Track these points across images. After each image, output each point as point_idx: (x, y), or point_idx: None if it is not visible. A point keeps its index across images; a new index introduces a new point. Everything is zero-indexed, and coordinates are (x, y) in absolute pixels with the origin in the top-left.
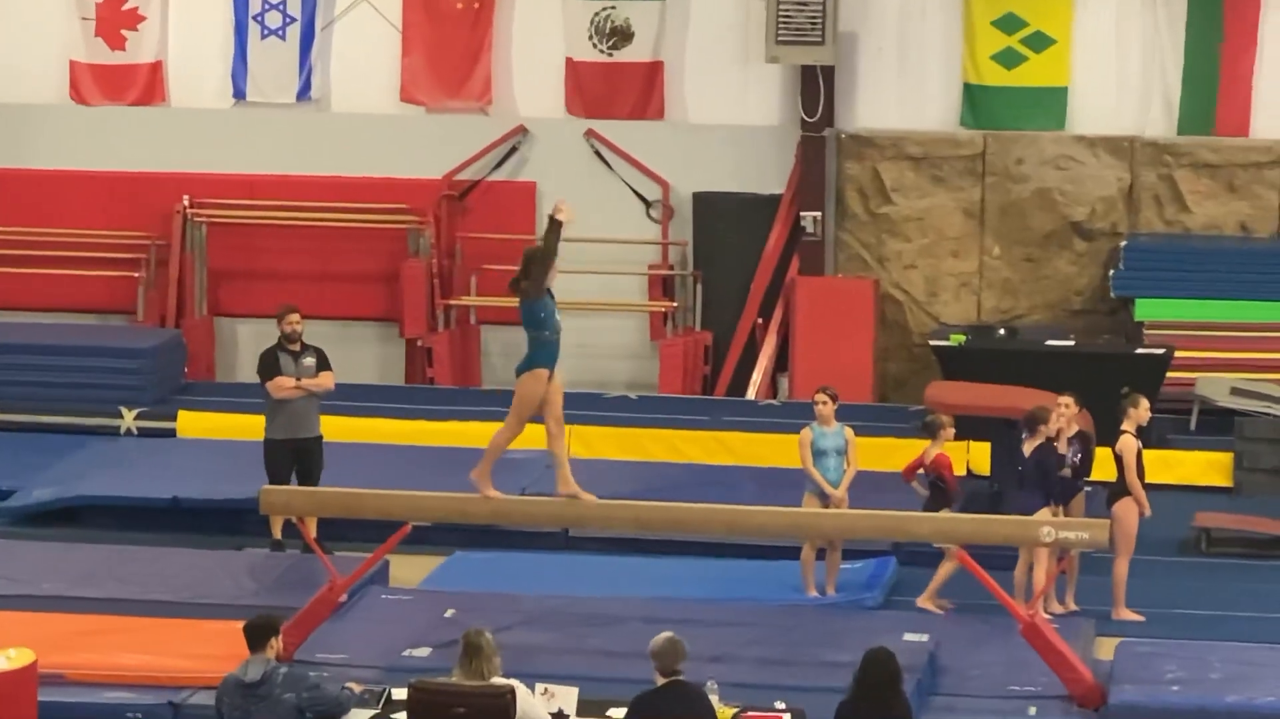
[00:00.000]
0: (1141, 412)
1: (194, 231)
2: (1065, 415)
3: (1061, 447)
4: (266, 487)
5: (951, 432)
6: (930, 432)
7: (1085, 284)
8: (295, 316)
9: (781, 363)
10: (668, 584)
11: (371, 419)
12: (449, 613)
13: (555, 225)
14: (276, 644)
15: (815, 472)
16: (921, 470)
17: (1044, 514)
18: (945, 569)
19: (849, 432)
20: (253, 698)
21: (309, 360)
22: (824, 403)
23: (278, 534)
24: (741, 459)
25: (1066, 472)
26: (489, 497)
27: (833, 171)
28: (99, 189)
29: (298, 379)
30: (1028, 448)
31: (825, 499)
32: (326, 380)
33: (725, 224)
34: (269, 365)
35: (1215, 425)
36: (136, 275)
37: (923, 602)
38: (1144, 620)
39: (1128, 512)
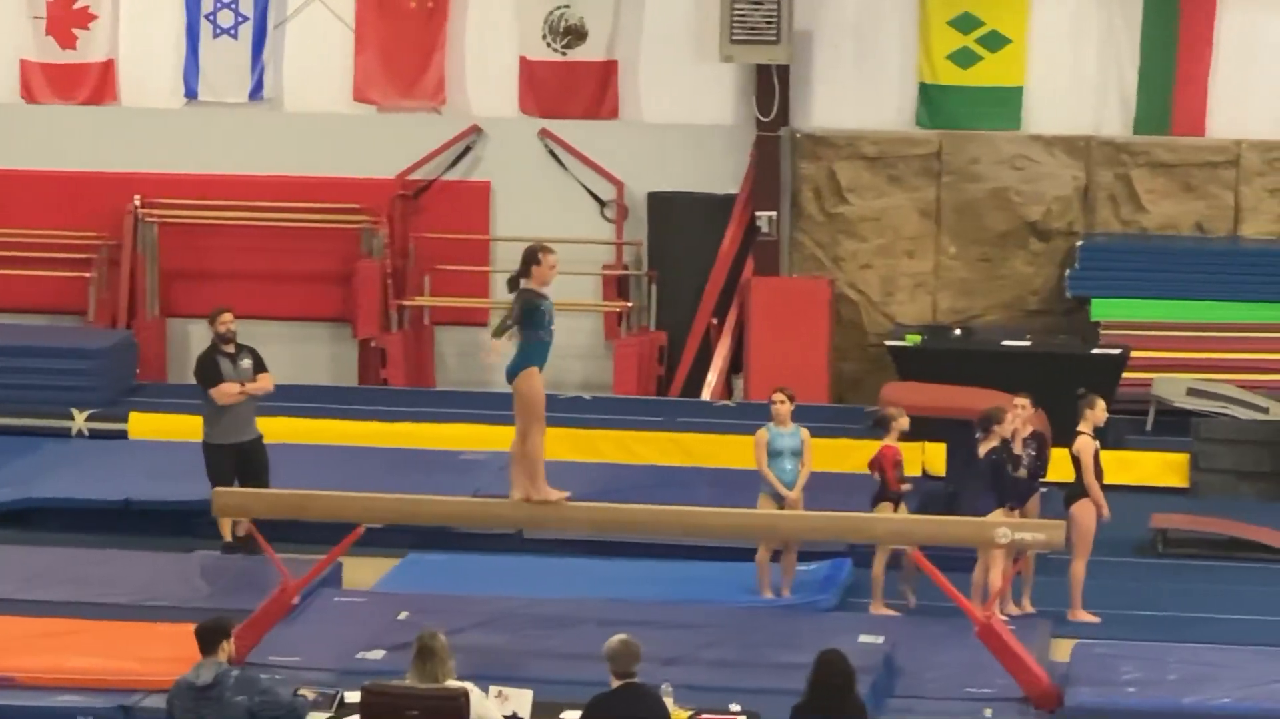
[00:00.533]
0: (1098, 412)
1: (145, 232)
2: (1021, 416)
3: (1018, 447)
4: (219, 488)
5: (905, 421)
6: (882, 426)
7: (1041, 284)
8: (229, 316)
9: (736, 363)
10: (622, 586)
11: (325, 420)
12: (402, 615)
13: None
14: (228, 647)
15: (770, 473)
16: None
17: (997, 515)
18: (879, 568)
19: (805, 432)
20: (204, 701)
21: (246, 363)
22: (781, 402)
23: (228, 536)
24: (696, 460)
25: (1023, 473)
26: (555, 500)
27: (788, 171)
28: (50, 189)
29: (241, 384)
30: (982, 449)
31: (781, 500)
32: (267, 383)
33: (680, 224)
34: (209, 371)
35: (1172, 426)
36: (88, 276)
37: (876, 608)
38: (1100, 622)
39: (1085, 513)
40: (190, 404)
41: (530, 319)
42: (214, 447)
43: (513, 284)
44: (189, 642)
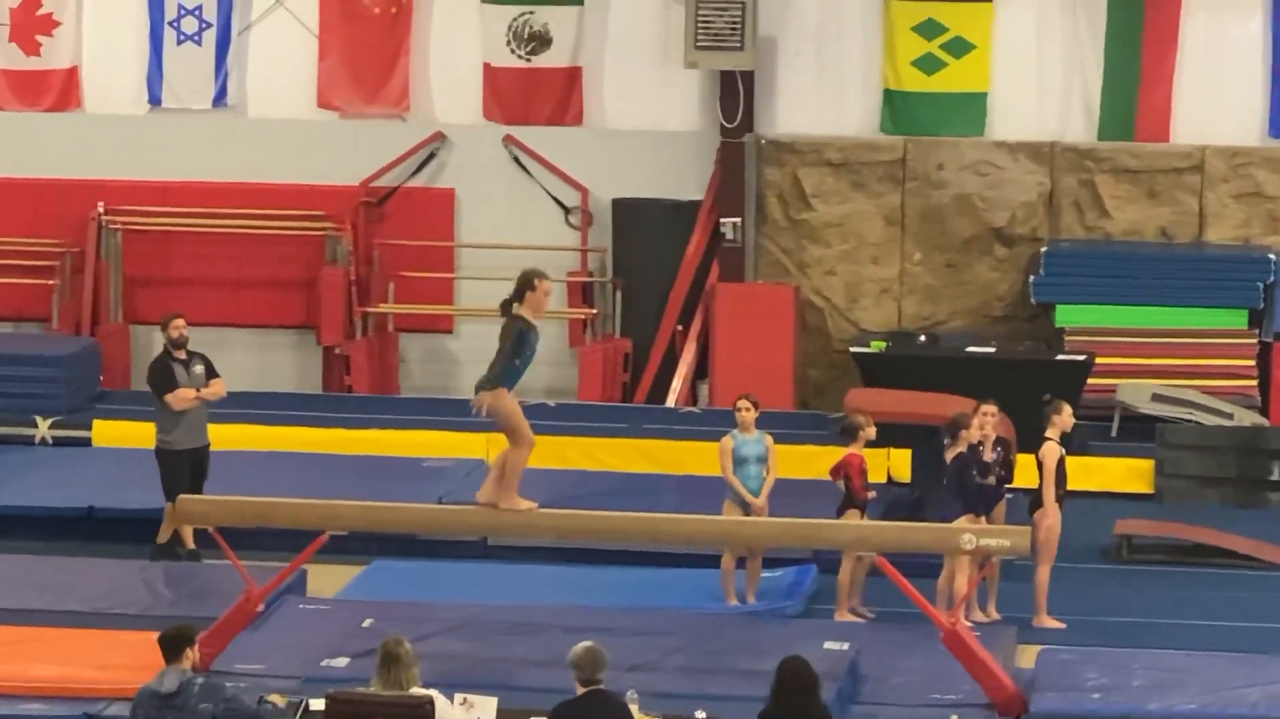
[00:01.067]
0: (1065, 418)
1: (109, 238)
2: (989, 423)
3: (987, 454)
4: (184, 496)
5: (872, 431)
6: (849, 434)
7: (1006, 290)
8: (181, 322)
9: (701, 370)
10: (587, 593)
11: (289, 427)
12: (367, 623)
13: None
14: (192, 654)
15: (735, 480)
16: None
17: (963, 522)
18: (846, 574)
19: (769, 439)
20: (169, 709)
21: (199, 368)
22: (746, 409)
23: (190, 544)
24: (661, 467)
25: (991, 479)
26: (525, 509)
27: (752, 177)
28: (13, 195)
29: (196, 389)
30: (949, 454)
31: (746, 507)
32: (220, 389)
33: (645, 230)
34: (163, 377)
35: (1136, 432)
36: (51, 283)
37: (841, 615)
38: (1065, 628)
39: (1050, 518)
40: (154, 412)
41: (516, 349)
42: (170, 453)
43: (505, 307)
44: (152, 650)
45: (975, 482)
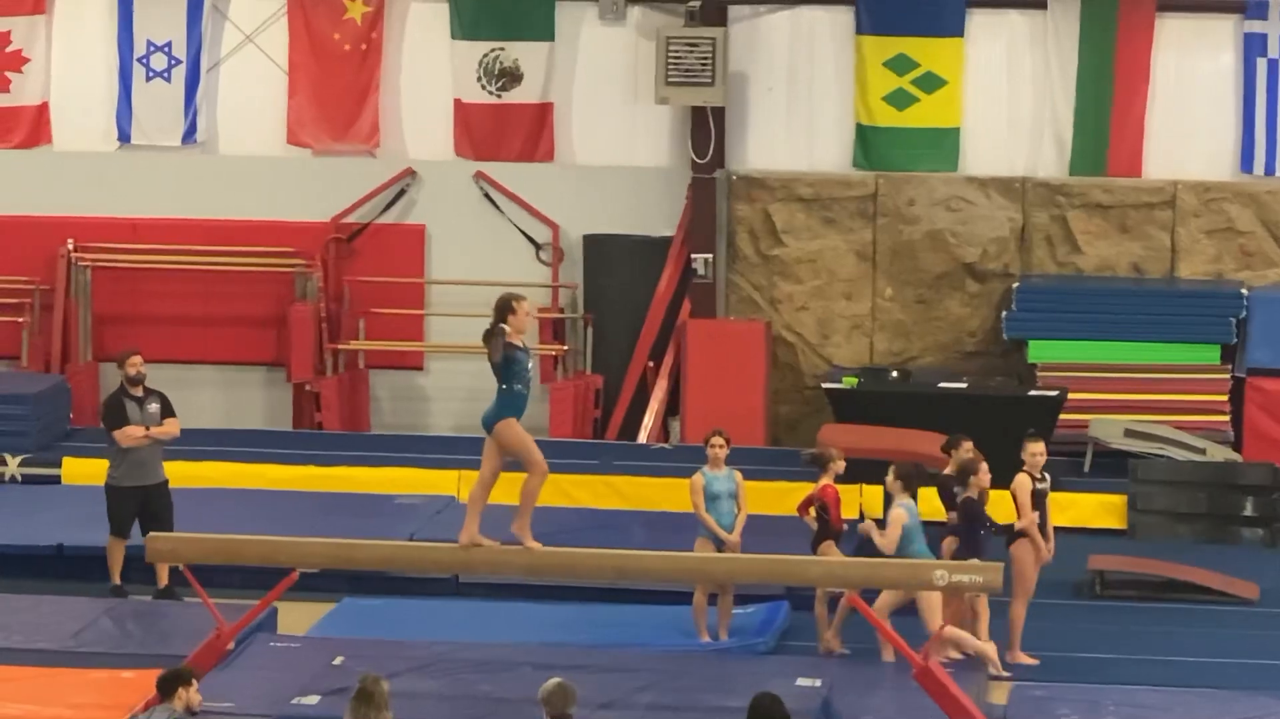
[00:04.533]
0: (1029, 455)
1: (79, 275)
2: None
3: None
4: (154, 534)
5: (841, 464)
6: (819, 465)
7: (978, 326)
8: (138, 359)
9: (673, 406)
10: (558, 630)
11: (259, 464)
12: (338, 660)
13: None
14: (186, 695)
15: (708, 517)
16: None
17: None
18: (822, 605)
19: (738, 475)
20: None
21: (154, 407)
22: (719, 446)
23: (164, 581)
24: (632, 503)
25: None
26: (532, 548)
27: (723, 213)
28: None
29: (146, 428)
30: (960, 499)
31: (720, 544)
32: (173, 428)
33: (616, 266)
34: (115, 413)
35: (1109, 467)
36: (20, 320)
37: (824, 645)
38: (1039, 663)
39: (1024, 554)
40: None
41: (508, 370)
42: (116, 489)
43: (488, 336)
44: (122, 688)
45: (986, 526)
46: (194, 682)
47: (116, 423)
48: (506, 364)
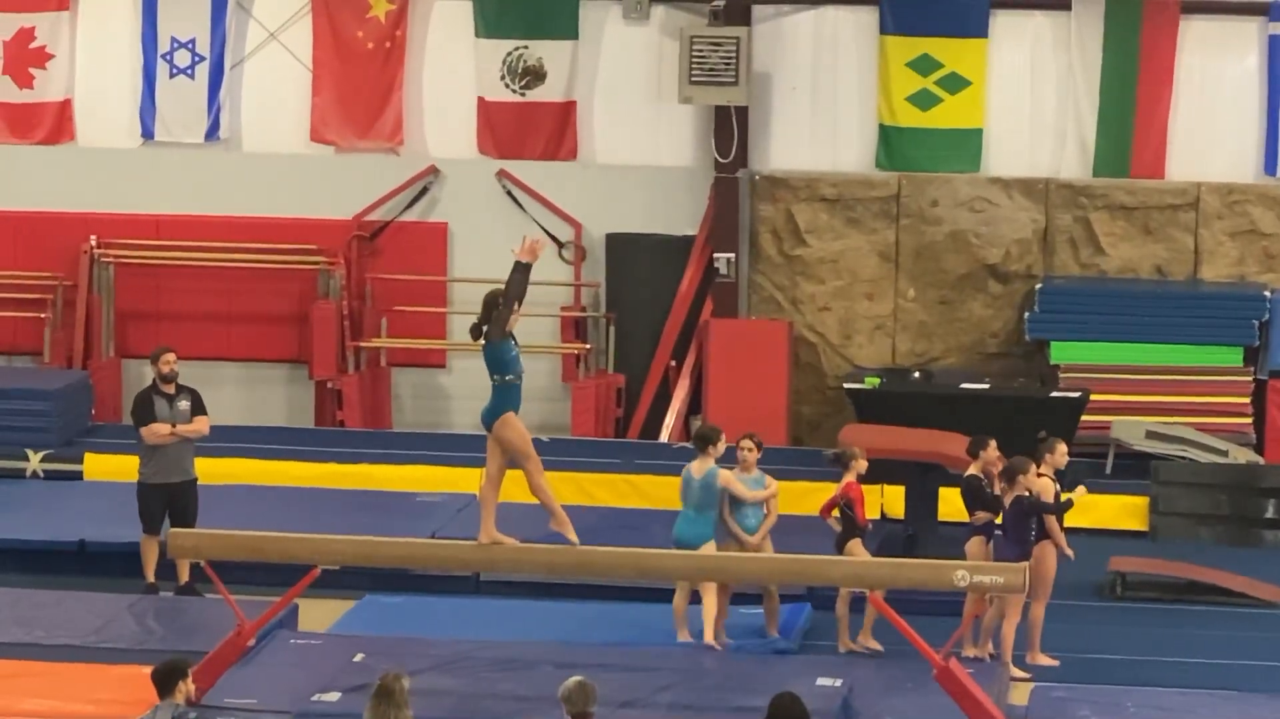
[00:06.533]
0: (1058, 456)
1: (101, 272)
2: (989, 458)
3: (998, 488)
4: (175, 529)
5: (864, 464)
6: (842, 464)
7: (1000, 327)
8: (171, 356)
9: (695, 405)
10: (579, 628)
11: (280, 462)
12: (358, 657)
13: (520, 266)
14: (185, 687)
15: (732, 520)
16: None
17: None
18: (844, 605)
19: (769, 480)
20: None
21: (184, 404)
22: (750, 449)
23: (185, 578)
24: (654, 503)
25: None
26: (574, 541)
27: (746, 213)
28: (5, 229)
29: (173, 424)
30: (1008, 499)
31: (742, 547)
32: (202, 425)
33: (638, 266)
34: (143, 410)
35: (1131, 469)
36: (43, 316)
37: (844, 645)
38: (1059, 665)
39: (1045, 555)
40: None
41: (500, 363)
42: (146, 486)
43: (475, 332)
44: (143, 684)
45: (1032, 523)
46: (189, 673)
47: (144, 419)
48: (497, 356)
